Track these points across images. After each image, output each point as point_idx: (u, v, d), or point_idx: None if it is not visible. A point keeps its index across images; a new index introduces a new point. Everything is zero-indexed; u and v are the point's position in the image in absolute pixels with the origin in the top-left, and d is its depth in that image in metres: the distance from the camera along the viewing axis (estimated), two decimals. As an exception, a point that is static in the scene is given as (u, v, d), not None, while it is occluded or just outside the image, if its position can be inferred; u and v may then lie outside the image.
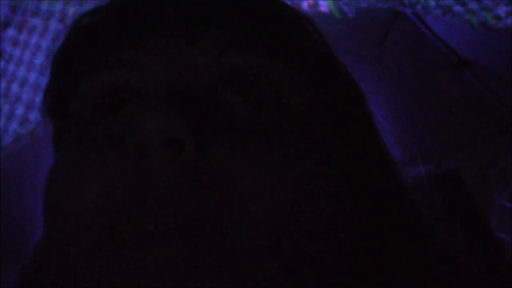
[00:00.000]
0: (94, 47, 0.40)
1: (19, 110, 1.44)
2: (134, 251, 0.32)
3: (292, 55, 0.40)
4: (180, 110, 0.34)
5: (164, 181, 0.33)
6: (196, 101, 0.36)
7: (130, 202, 0.33)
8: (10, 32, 1.41)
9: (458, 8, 1.41)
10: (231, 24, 0.39)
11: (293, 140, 0.36)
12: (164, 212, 0.32)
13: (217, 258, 0.32)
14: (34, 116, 1.43)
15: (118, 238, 0.33)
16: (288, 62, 0.39)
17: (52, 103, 0.42)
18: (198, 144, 0.34)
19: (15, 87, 1.45)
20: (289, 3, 0.43)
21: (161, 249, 0.32)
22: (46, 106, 0.43)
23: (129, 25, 0.39)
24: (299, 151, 0.36)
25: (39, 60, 1.44)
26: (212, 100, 0.37)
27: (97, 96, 0.39)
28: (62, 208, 0.35)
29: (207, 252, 0.32)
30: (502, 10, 1.43)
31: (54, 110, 0.42)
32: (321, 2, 1.43)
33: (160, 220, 0.32)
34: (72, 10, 1.42)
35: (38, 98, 1.47)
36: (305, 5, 1.42)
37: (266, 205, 0.33)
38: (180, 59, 0.38)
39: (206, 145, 0.34)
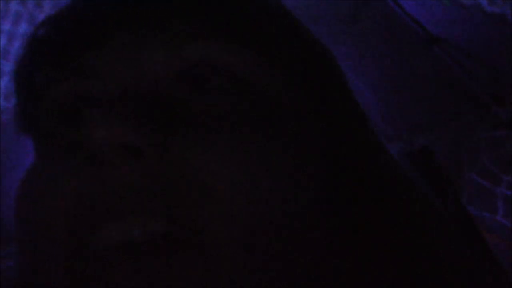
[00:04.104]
0: (50, 58, 0.39)
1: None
2: (100, 269, 0.31)
3: (252, 37, 0.38)
4: (134, 114, 0.33)
5: (125, 189, 0.32)
6: (152, 101, 0.34)
7: (95, 214, 0.32)
8: None
9: (428, -15, 1.42)
10: (185, 14, 0.37)
11: (259, 128, 0.34)
12: (129, 223, 0.31)
13: (192, 268, 0.31)
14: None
15: (86, 253, 0.31)
16: (249, 45, 0.37)
17: (20, 118, 0.41)
18: (156, 146, 0.32)
19: None
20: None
21: (130, 265, 0.30)
22: (18, 120, 0.42)
23: (81, 32, 0.38)
24: (266, 140, 0.34)
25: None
26: (169, 97, 0.35)
27: (58, 107, 0.37)
28: (31, 217, 0.34)
29: (182, 264, 0.31)
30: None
31: (24, 124, 0.41)
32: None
33: (125, 232, 0.31)
34: None
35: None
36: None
37: (236, 201, 0.32)
38: (133, 61, 0.36)
39: (165, 145, 0.32)
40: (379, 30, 1.77)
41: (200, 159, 0.32)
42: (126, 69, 0.36)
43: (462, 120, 1.99)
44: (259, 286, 0.32)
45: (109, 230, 0.31)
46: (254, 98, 0.36)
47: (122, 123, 0.32)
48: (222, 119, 0.34)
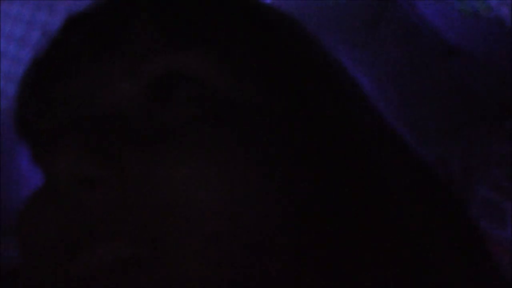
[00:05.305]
0: (33, 95, 0.40)
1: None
2: None
3: (218, 44, 0.37)
4: (87, 143, 0.32)
5: (89, 218, 0.32)
6: (109, 125, 0.34)
7: (67, 242, 0.32)
8: None
9: (450, -4, 1.41)
10: (143, 29, 0.37)
11: (227, 138, 0.33)
12: (97, 252, 0.31)
13: (165, 283, 0.30)
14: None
15: (68, 276, 0.32)
16: (216, 52, 0.36)
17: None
18: (111, 173, 0.32)
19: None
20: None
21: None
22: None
23: (54, 68, 0.39)
24: (234, 150, 0.33)
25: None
26: (132, 115, 0.35)
27: (40, 138, 0.38)
28: (25, 234, 0.35)
29: (149, 284, 0.30)
30: (493, 1, 1.43)
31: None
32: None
33: (96, 260, 0.31)
34: None
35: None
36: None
37: (197, 215, 0.31)
38: (91, 87, 0.36)
39: (124, 168, 0.32)
40: (398, 39, 1.76)
41: (161, 176, 0.32)
42: (86, 97, 0.36)
43: (474, 133, 1.99)
44: None
45: (81, 258, 0.31)
46: (223, 106, 0.35)
47: (75, 154, 0.32)
48: (187, 131, 0.33)
